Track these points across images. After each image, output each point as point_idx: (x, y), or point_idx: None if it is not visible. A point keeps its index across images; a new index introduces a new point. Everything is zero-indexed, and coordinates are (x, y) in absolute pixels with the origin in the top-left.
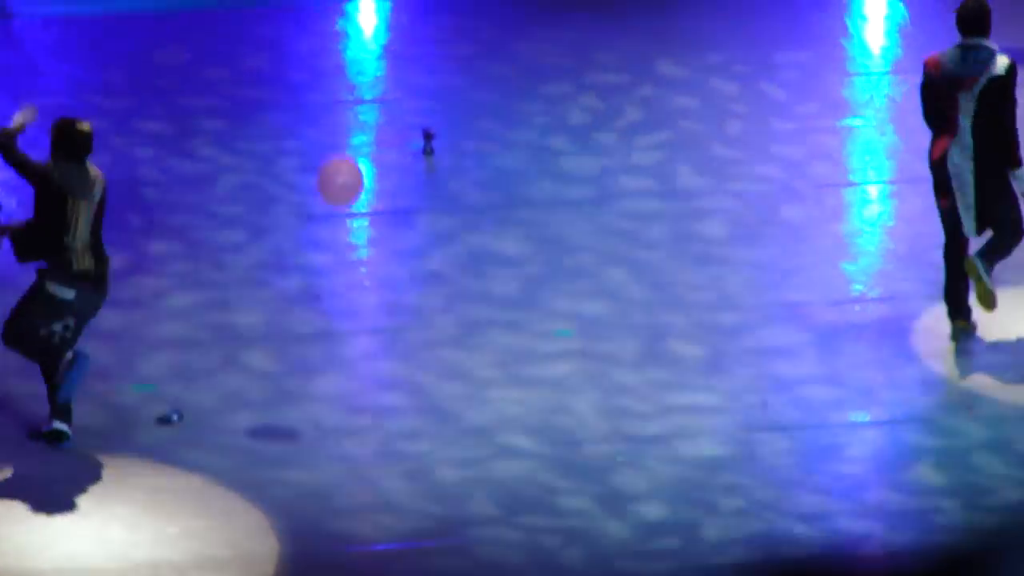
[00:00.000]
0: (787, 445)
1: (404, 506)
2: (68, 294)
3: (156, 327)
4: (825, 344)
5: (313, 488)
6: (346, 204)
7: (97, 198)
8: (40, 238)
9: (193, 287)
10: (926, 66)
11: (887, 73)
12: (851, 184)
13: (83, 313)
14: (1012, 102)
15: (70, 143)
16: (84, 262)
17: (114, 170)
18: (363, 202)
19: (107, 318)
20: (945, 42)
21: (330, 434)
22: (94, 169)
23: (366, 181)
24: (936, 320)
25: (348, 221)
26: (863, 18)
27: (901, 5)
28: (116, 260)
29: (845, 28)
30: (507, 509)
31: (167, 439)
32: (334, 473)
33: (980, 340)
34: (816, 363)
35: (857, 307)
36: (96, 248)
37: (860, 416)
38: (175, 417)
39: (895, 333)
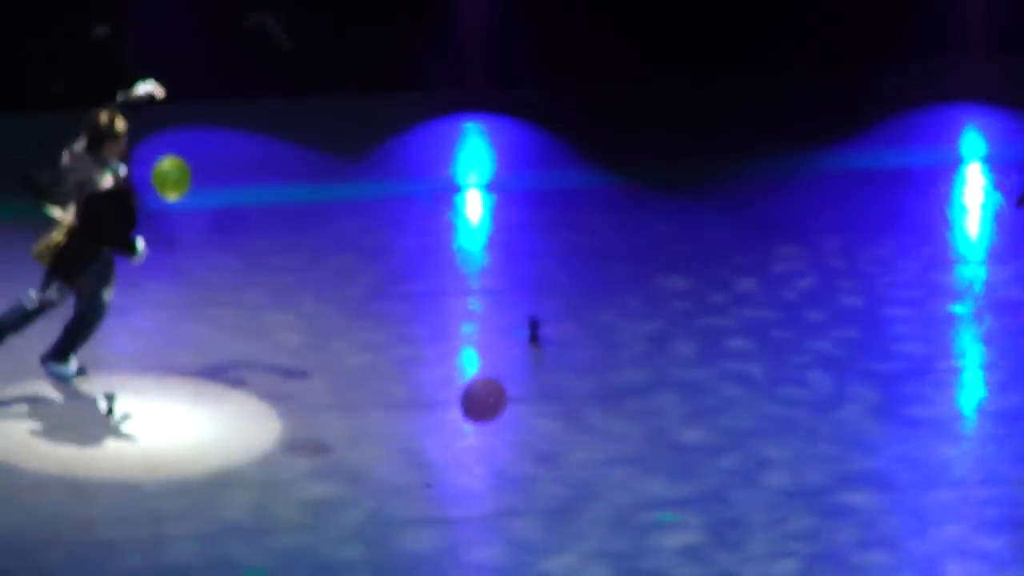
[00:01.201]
0: None
1: None
2: None
3: None
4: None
5: None
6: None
7: None
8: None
9: None
10: None
11: (985, 261)
12: (954, 369)
13: None
14: None
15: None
16: None
17: None
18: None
19: None
20: None
21: None
22: None
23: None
24: None
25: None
26: (963, 208)
27: (997, 193)
28: None
29: (946, 217)
30: None
31: None
32: None
33: None
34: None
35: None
36: None
37: None
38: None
39: (994, 520)
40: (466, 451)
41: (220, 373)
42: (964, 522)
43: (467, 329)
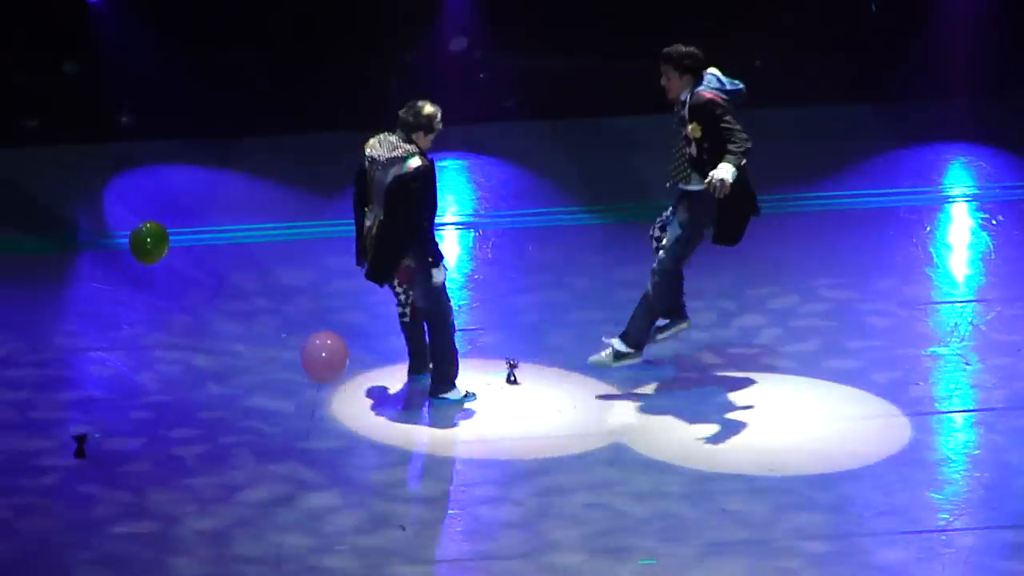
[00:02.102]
0: None
1: None
2: None
3: None
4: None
5: None
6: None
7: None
8: None
9: None
10: None
11: (972, 302)
12: (938, 412)
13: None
14: None
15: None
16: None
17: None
18: (450, 425)
19: None
20: None
21: None
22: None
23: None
24: None
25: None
26: (948, 247)
27: (985, 234)
28: None
29: (930, 257)
30: None
31: None
32: None
33: None
34: None
35: (943, 536)
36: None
37: None
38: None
39: (980, 567)
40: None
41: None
42: None
43: None
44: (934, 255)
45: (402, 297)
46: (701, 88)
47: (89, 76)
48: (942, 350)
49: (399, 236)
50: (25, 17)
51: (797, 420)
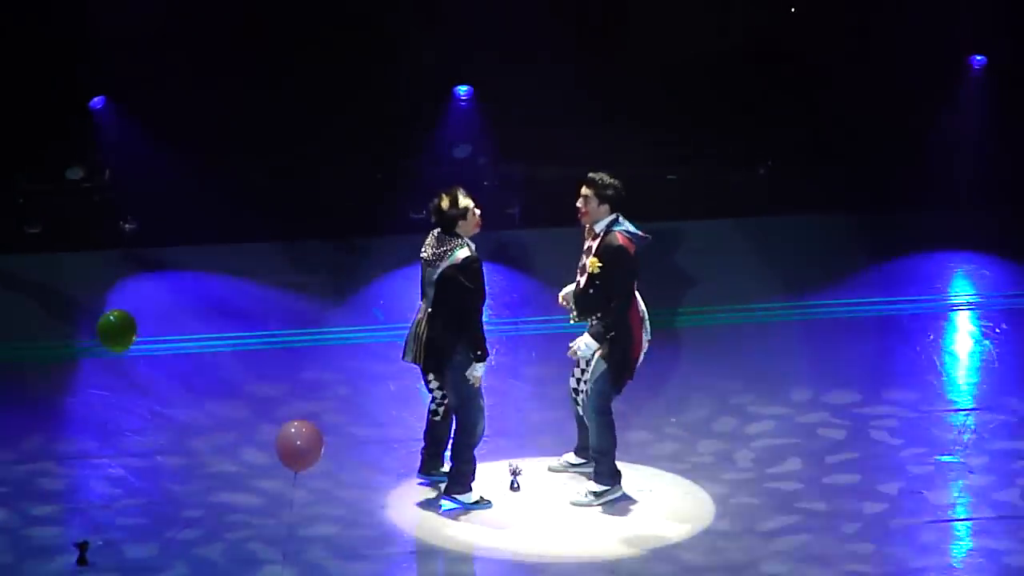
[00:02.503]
0: None
1: None
2: None
3: None
4: None
5: None
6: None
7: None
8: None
9: None
10: None
11: (975, 409)
12: (942, 520)
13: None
14: None
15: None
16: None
17: None
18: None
19: None
20: None
21: None
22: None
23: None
24: None
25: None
26: (952, 355)
27: (987, 342)
28: None
29: (934, 364)
30: None
31: None
32: None
33: None
34: None
35: None
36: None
37: None
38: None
39: None
40: None
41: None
42: None
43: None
44: (937, 362)
45: (438, 394)
46: (619, 230)
47: (91, 181)
48: (945, 458)
49: (447, 327)
50: (29, 122)
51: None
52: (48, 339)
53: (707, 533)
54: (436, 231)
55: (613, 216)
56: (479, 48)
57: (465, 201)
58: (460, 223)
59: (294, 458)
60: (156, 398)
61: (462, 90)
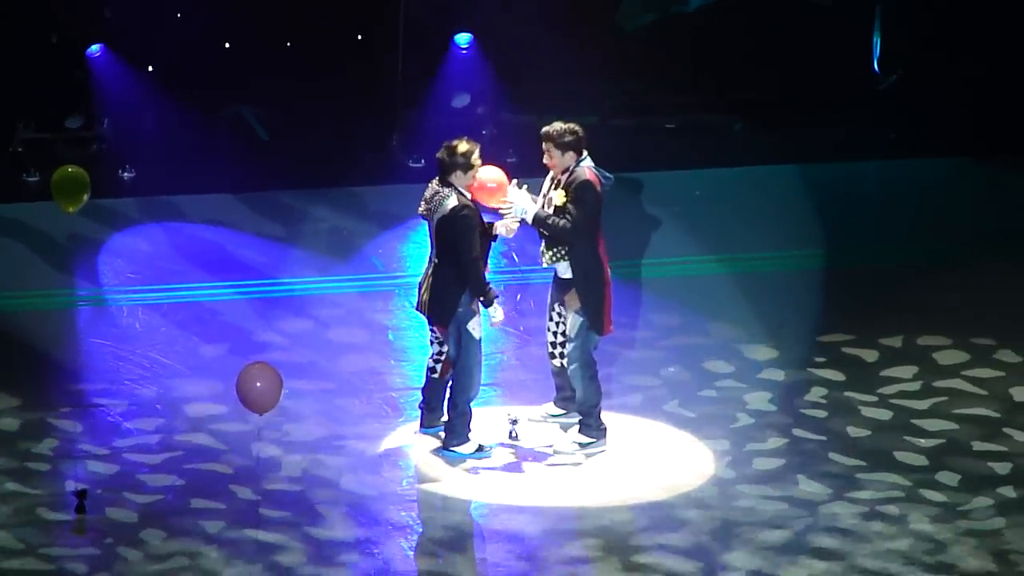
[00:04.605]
0: None
1: None
2: None
3: None
4: None
5: None
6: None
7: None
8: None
9: None
10: None
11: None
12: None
13: None
14: None
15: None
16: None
17: None
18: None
19: None
20: None
21: None
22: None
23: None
24: None
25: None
26: None
27: None
28: None
29: None
30: None
31: None
32: None
33: None
34: None
35: None
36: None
37: None
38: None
39: None
40: None
41: None
42: None
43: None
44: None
45: (438, 347)
46: (585, 165)
47: (90, 130)
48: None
49: (449, 278)
50: (28, 71)
51: None
52: (47, 288)
53: (719, 481)
54: (432, 182)
55: (581, 157)
56: None
57: (477, 159)
58: (458, 173)
59: (254, 399)
60: (155, 346)
61: (463, 40)
